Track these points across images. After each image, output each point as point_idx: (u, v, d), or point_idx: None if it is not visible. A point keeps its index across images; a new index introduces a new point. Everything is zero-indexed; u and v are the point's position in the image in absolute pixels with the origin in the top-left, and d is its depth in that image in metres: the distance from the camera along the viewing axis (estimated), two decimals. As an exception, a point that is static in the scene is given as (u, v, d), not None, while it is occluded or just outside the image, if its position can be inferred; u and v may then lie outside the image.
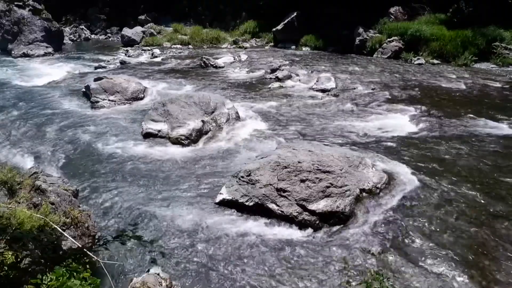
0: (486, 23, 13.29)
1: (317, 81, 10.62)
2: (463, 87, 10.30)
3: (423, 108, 8.55)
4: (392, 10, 15.84)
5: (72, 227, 3.68)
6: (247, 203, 4.85)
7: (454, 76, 11.34)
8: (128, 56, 16.02)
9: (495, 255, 4.04)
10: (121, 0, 22.76)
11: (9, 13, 16.98)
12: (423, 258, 4.01)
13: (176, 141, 7.04)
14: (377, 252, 4.12)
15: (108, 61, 15.07)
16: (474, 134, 7.18)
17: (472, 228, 4.45)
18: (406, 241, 4.29)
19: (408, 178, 5.50)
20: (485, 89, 10.08)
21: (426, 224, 4.54)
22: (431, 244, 4.21)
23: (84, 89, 10.13)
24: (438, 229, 4.44)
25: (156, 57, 15.62)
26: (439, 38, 13.65)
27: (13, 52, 16.46)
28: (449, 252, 4.08)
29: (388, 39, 14.49)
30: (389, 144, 6.82)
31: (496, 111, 8.30)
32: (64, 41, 19.57)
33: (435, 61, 13.25)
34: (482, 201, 4.95)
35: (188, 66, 13.77)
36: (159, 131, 7.28)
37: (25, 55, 16.26)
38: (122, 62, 14.61)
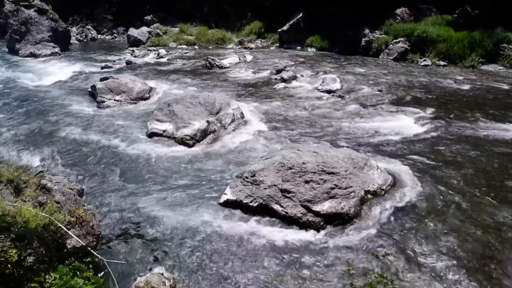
0: (493, 25, 13.17)
1: (322, 82, 10.58)
2: (470, 88, 10.21)
3: (429, 109, 8.49)
4: (398, 11, 15.75)
5: (76, 226, 3.70)
6: (251, 204, 4.84)
7: (461, 78, 11.25)
8: (134, 56, 16.08)
9: (501, 259, 4.00)
10: (128, 1, 22.85)
11: (17, 13, 17.11)
12: (428, 261, 3.98)
13: (181, 141, 7.05)
14: (382, 254, 4.10)
15: (114, 61, 15.14)
16: (481, 136, 7.11)
17: (478, 231, 4.40)
18: (411, 243, 4.25)
19: (413, 180, 5.46)
20: (492, 91, 9.99)
21: (431, 226, 4.50)
22: (436, 247, 4.17)
23: (90, 89, 10.19)
24: (443, 232, 4.40)
25: (162, 57, 15.66)
26: (446, 40, 13.53)
27: (20, 51, 16.58)
28: (455, 255, 4.05)
29: (394, 40, 14.39)
30: (395, 145, 6.78)
31: (503, 113, 8.21)
32: (71, 41, 19.69)
33: (442, 63, 13.14)
34: (489, 205, 4.89)
35: (194, 66, 13.80)
36: (164, 131, 7.31)
37: (32, 54, 16.37)
38: (128, 62, 14.67)
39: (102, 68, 13.85)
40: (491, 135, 7.14)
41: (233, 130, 7.54)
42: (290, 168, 4.99)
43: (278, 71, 11.97)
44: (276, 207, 4.73)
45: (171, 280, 3.61)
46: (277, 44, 17.66)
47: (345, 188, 4.85)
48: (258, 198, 4.84)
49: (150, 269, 3.85)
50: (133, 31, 19.42)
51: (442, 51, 13.49)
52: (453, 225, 4.51)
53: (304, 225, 4.57)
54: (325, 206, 4.66)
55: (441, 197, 5.06)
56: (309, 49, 16.46)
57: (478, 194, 5.12)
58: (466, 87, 10.35)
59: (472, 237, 4.32)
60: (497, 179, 5.54)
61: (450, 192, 5.17)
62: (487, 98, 9.47)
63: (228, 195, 5.03)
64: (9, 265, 2.76)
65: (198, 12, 21.57)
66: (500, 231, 4.40)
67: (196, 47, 18.12)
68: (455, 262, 3.95)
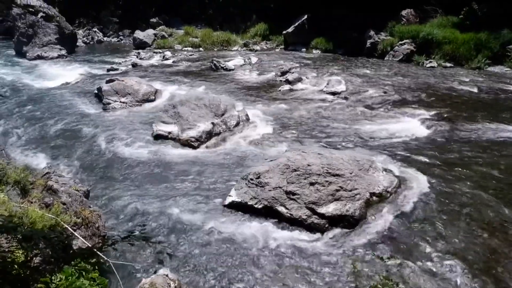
0: (500, 26, 13.08)
1: (327, 84, 10.56)
2: (476, 90, 10.14)
3: (435, 111, 8.45)
4: (404, 12, 15.68)
5: (82, 227, 3.73)
6: (256, 206, 4.84)
7: (467, 80, 11.17)
8: (140, 59, 16.15)
9: (508, 261, 3.96)
10: (133, 3, 22.99)
11: (24, 16, 17.28)
12: (434, 264, 3.95)
13: (186, 143, 7.07)
14: (387, 257, 4.07)
15: (120, 63, 15.22)
16: (488, 138, 7.06)
17: (485, 234, 4.37)
18: (417, 246, 4.23)
19: (419, 182, 5.43)
20: (499, 93, 9.91)
21: (437, 229, 4.47)
22: (442, 250, 4.14)
23: (96, 91, 10.25)
24: (449, 235, 4.37)
25: (167, 59, 15.72)
26: (451, 41, 13.45)
27: (27, 54, 16.72)
28: (461, 258, 4.01)
29: (400, 42, 14.34)
30: (400, 148, 6.75)
31: (510, 115, 8.14)
32: (77, 44, 19.83)
33: (448, 64, 13.07)
34: (496, 207, 4.85)
35: (199, 68, 13.84)
36: (169, 132, 7.33)
37: (39, 57, 16.49)
38: (134, 65, 14.74)
39: (108, 70, 13.93)
40: (498, 137, 7.08)
41: (238, 132, 7.55)
42: (295, 170, 4.99)
43: (283, 73, 11.96)
44: (281, 209, 4.73)
45: (176, 282, 3.61)
46: (282, 46, 17.66)
47: (350, 190, 4.83)
48: (263, 200, 4.84)
49: (155, 271, 3.86)
50: (138, 34, 19.52)
51: (448, 52, 13.40)
52: (460, 228, 4.48)
53: (309, 227, 4.56)
54: (330, 208, 4.65)
55: (447, 199, 5.03)
56: (314, 51, 16.44)
57: (485, 197, 5.07)
58: (472, 88, 10.28)
59: (478, 239, 4.29)
60: (503, 181, 5.49)
61: (457, 194, 5.14)
62: (493, 99, 9.40)
63: (233, 197, 5.03)
64: (15, 266, 2.78)
65: (203, 14, 21.65)
66: (508, 234, 4.36)
67: (201, 49, 18.17)
68: (461, 265, 3.91)
